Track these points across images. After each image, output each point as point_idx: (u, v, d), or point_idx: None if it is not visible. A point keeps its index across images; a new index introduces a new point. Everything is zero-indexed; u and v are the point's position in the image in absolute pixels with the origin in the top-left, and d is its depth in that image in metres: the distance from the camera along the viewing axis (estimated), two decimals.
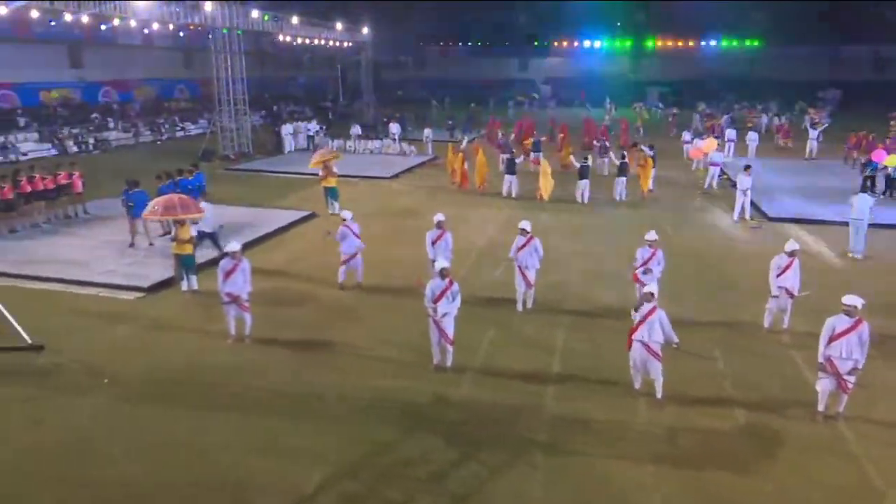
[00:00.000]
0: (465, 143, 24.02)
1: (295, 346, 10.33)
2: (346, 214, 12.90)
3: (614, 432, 8.00)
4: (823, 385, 8.22)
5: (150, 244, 15.19)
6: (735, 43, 60.12)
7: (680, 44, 61.09)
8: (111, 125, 34.63)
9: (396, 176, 25.13)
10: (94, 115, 35.48)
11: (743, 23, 56.14)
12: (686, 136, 29.01)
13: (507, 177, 21.38)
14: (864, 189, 15.25)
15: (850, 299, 8.01)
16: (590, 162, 21.03)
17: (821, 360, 8.14)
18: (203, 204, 13.83)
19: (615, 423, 8.19)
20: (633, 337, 8.66)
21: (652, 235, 11.06)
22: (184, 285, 12.62)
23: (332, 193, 18.82)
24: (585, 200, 20.37)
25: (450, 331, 9.36)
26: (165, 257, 14.29)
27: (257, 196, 21.23)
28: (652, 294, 8.53)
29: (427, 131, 30.20)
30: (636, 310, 8.78)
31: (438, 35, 66.76)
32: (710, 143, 20.79)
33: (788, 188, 22.07)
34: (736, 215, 18.49)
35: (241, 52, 27.83)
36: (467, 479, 7.11)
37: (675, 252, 14.08)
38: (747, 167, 18.22)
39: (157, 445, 7.73)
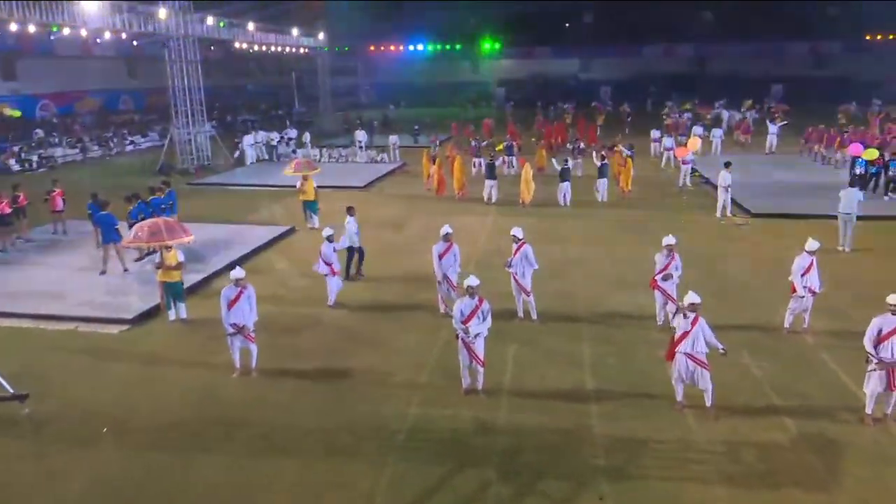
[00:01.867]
0: (435, 148, 23.47)
1: (310, 377, 9.61)
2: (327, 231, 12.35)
3: (674, 452, 7.63)
4: (872, 387, 8.04)
5: (125, 270, 14.09)
6: (679, 42, 61.35)
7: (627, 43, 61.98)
8: (55, 141, 32.60)
9: (370, 185, 24.41)
10: (35, 131, 33.33)
11: (687, 22, 57.38)
12: (655, 133, 29.23)
13: (487, 182, 20.97)
14: (852, 183, 15.39)
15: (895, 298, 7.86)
16: (570, 164, 20.86)
17: (875, 359, 7.90)
18: (350, 219, 13.36)
19: (672, 441, 7.82)
20: (677, 349, 8.30)
21: (670, 240, 10.76)
22: (171, 314, 11.67)
23: (311, 207, 17.99)
24: (568, 203, 20.15)
25: (481, 352, 8.85)
26: (143, 284, 13.33)
27: (227, 211, 20.18)
28: (694, 305, 8.20)
29: (393, 138, 29.51)
30: (678, 314, 8.40)
31: (388, 39, 65.96)
32: (694, 142, 20.90)
33: (761, 183, 22.31)
34: (719, 212, 18.55)
35: (197, 60, 26.56)
36: None
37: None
38: (728, 163, 18.32)
39: (199, 497, 7.00)
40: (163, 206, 15.46)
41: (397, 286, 13.42)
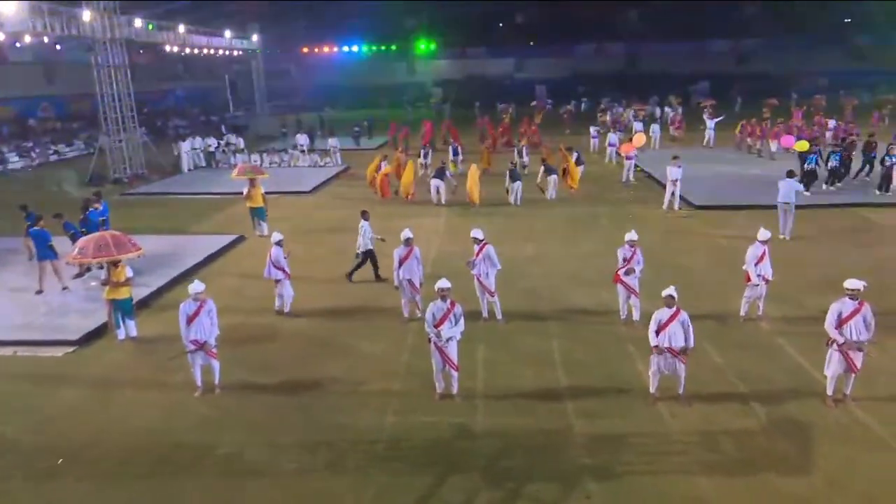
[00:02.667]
0: (382, 160, 23.19)
1: (278, 391, 9.27)
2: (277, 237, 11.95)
3: (654, 445, 7.74)
4: (833, 370, 8.37)
5: (64, 288, 13.27)
6: (610, 41, 63.05)
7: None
8: None
9: (315, 189, 23.93)
10: None
11: (617, 22, 59.11)
12: (593, 130, 29.82)
13: (433, 181, 20.86)
14: (791, 174, 16.03)
15: (853, 283, 8.17)
16: (525, 162, 21.02)
17: (839, 341, 8.18)
18: (364, 223, 13.25)
19: (650, 435, 7.93)
20: (657, 343, 8.40)
21: (633, 235, 10.96)
22: (120, 333, 11.05)
23: (259, 214, 17.44)
24: (518, 202, 20.28)
25: (454, 356, 8.74)
26: (85, 301, 12.65)
27: (170, 222, 19.34)
28: (672, 297, 8.36)
29: (333, 140, 29.01)
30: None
31: (321, 40, 65.00)
32: (639, 138, 21.42)
33: (701, 177, 22.97)
34: (665, 205, 19.05)
35: (125, 64, 25.36)
36: None
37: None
38: (675, 157, 18.82)
39: None
40: (101, 219, 14.65)
41: (355, 291, 13.16)
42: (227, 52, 35.97)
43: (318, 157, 28.48)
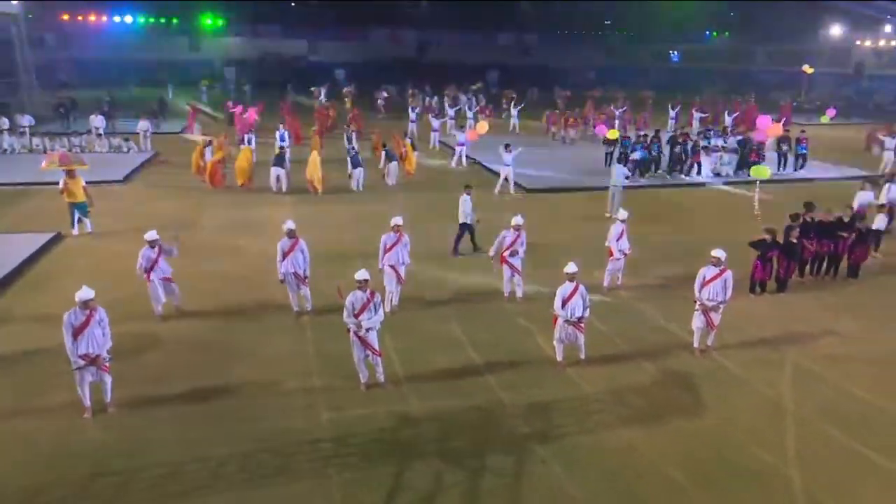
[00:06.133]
0: (206, 146, 21.46)
1: (185, 401, 8.48)
2: (151, 235, 10.76)
3: (577, 407, 8.58)
4: (698, 325, 9.93)
5: None
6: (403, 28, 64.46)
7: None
8: None
9: (128, 178, 21.42)
10: None
11: (409, 10, 60.64)
12: (412, 114, 30.50)
13: (273, 169, 19.96)
14: (619, 160, 18.16)
15: (717, 252, 9.75)
16: (356, 149, 20.92)
17: (698, 301, 9.75)
18: (466, 197, 14.04)
19: (570, 399, 8.75)
20: (559, 317, 9.24)
21: (518, 220, 11.72)
22: None
23: (80, 209, 15.29)
24: (361, 188, 20.24)
25: (375, 342, 8.77)
26: None
27: None
28: (573, 274, 9.21)
29: (143, 124, 26.06)
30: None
31: (85, 8, 57.27)
32: (483, 125, 22.44)
33: (524, 162, 24.46)
34: (497, 189, 20.30)
35: None
36: (498, 492, 6.94)
37: (484, 229, 15.05)
38: (507, 145, 20.13)
39: None
40: None
41: (226, 288, 12.29)
42: None
43: (120, 142, 25.39)
